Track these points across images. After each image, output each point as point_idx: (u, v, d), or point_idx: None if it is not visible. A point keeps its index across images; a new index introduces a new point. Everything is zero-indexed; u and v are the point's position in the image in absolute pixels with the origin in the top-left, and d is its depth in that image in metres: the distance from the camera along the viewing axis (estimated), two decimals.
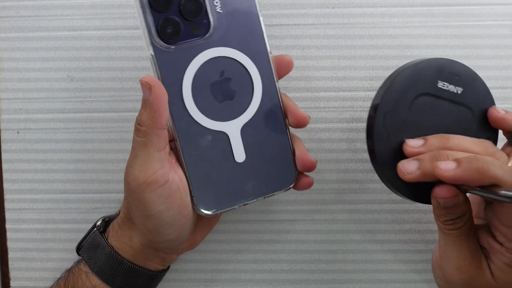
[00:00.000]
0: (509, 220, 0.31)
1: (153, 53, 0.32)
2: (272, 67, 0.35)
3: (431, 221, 0.44)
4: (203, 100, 0.33)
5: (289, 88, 0.43)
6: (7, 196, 0.45)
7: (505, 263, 0.32)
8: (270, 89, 0.35)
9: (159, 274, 0.39)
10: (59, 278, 0.39)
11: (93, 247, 0.37)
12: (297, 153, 0.36)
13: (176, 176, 0.34)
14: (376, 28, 0.42)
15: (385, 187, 0.36)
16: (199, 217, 0.37)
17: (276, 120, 0.35)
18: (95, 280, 0.36)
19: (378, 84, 0.42)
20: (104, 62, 0.43)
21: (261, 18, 0.34)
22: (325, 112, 0.43)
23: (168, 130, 0.34)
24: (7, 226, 0.45)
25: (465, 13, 0.42)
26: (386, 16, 0.42)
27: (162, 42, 0.32)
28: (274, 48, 0.43)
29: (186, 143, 0.34)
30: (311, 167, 0.36)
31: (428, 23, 0.42)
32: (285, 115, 0.35)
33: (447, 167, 0.30)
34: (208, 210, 0.35)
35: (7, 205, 0.45)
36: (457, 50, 0.42)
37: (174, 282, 0.45)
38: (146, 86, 0.31)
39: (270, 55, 0.34)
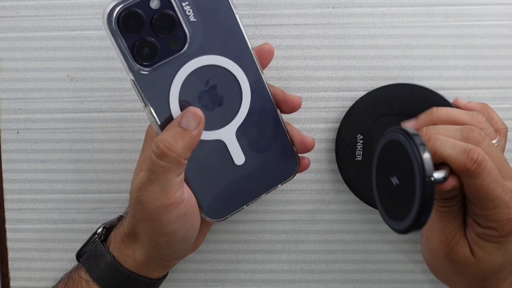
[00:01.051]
0: (471, 194, 0.31)
1: (133, 78, 0.31)
2: (257, 63, 0.34)
3: None
4: None
5: (289, 88, 0.43)
6: (7, 196, 0.45)
7: (476, 234, 0.32)
8: (258, 86, 0.34)
9: (159, 281, 0.39)
10: (59, 282, 0.38)
11: (94, 255, 0.37)
12: (294, 138, 0.36)
13: (190, 194, 0.34)
14: (376, 28, 0.42)
15: None
16: (201, 221, 0.37)
17: (269, 113, 0.35)
18: None
19: (378, 84, 0.42)
20: (104, 62, 0.43)
21: (237, 16, 0.32)
22: (325, 112, 0.43)
23: None
24: (7, 226, 0.45)
25: (465, 13, 0.42)
26: (386, 16, 0.42)
27: (140, 66, 0.31)
28: (274, 48, 0.42)
29: None
30: (311, 147, 0.36)
31: (428, 23, 0.42)
32: (276, 105, 0.35)
33: None
34: (218, 218, 0.35)
35: (7, 205, 0.45)
36: (457, 50, 0.42)
37: (174, 282, 0.45)
38: (196, 120, 0.31)
39: (252, 52, 0.33)
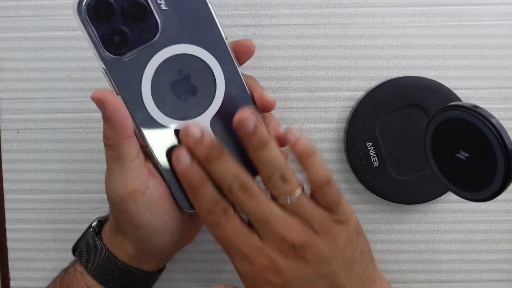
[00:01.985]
0: None
1: (104, 67, 0.31)
2: (231, 53, 0.33)
3: (431, 221, 0.44)
4: (166, 102, 0.32)
5: (289, 88, 0.43)
6: (7, 196, 0.45)
7: None
8: (233, 76, 0.33)
9: (155, 274, 0.39)
10: (56, 277, 0.39)
11: (89, 248, 0.37)
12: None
13: (157, 182, 0.33)
14: (376, 28, 0.42)
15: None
16: (190, 213, 0.37)
17: (244, 103, 0.34)
18: (90, 281, 0.36)
19: (378, 84, 0.42)
20: None
21: (210, 5, 0.32)
22: (325, 112, 0.43)
23: (138, 137, 0.33)
24: (7, 226, 0.45)
25: (465, 13, 0.42)
26: (386, 16, 0.42)
27: (111, 55, 0.31)
28: (274, 48, 0.43)
29: (157, 148, 0.33)
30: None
31: (428, 23, 0.42)
32: (252, 97, 0.34)
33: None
34: (193, 208, 0.34)
35: (7, 205, 0.45)
36: (457, 50, 0.42)
37: (174, 282, 0.45)
38: (98, 102, 0.31)
39: (226, 42, 0.33)
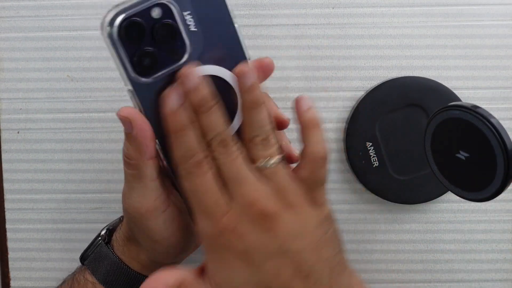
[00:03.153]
0: None
1: (131, 89, 0.30)
2: None
3: (431, 221, 0.44)
4: None
5: (289, 88, 0.43)
6: (7, 196, 0.45)
7: None
8: None
9: None
10: (62, 283, 0.38)
11: (100, 258, 0.37)
12: (283, 148, 0.34)
13: (176, 200, 0.33)
14: (376, 28, 0.42)
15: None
16: None
17: None
18: None
19: (378, 84, 0.42)
20: (104, 62, 0.43)
21: (236, 26, 0.32)
22: (325, 112, 0.43)
23: (158, 155, 0.33)
24: (7, 226, 0.45)
25: (465, 13, 0.42)
26: (386, 16, 0.42)
27: (139, 76, 0.30)
28: (274, 48, 0.43)
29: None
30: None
31: (428, 23, 0.42)
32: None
33: None
34: None
35: (7, 205, 0.45)
36: (457, 50, 0.42)
37: None
38: (125, 120, 0.30)
39: (249, 62, 0.32)
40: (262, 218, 0.28)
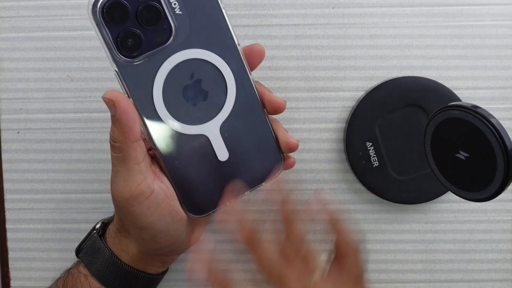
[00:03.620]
0: None
1: (116, 69, 0.31)
2: (243, 59, 0.33)
3: (431, 221, 0.44)
4: (176, 107, 0.32)
5: (289, 88, 0.43)
6: (7, 196, 0.45)
7: None
8: (243, 82, 0.34)
9: (158, 277, 0.39)
10: (58, 279, 0.39)
11: (93, 250, 0.37)
12: (279, 137, 0.35)
13: (162, 185, 0.33)
14: (376, 28, 0.42)
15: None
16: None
17: (255, 111, 0.34)
18: (94, 283, 0.36)
19: (378, 84, 0.42)
20: (104, 62, 0.43)
21: (224, 11, 0.32)
22: (325, 112, 0.43)
23: (145, 140, 0.33)
24: (7, 226, 0.45)
25: (465, 13, 0.42)
26: (386, 16, 0.42)
27: (124, 57, 0.31)
28: (274, 48, 0.43)
29: (166, 152, 0.33)
30: (294, 148, 0.35)
31: (428, 23, 0.42)
32: (262, 104, 0.35)
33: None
34: (199, 214, 0.35)
35: (7, 205, 0.45)
36: (457, 50, 0.42)
37: (174, 282, 0.45)
38: (109, 103, 0.31)
39: (239, 47, 0.33)
40: None
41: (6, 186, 0.45)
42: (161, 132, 0.33)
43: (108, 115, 0.43)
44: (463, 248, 0.44)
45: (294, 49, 0.43)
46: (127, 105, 0.31)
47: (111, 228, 0.37)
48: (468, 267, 0.44)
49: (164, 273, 0.40)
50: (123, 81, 0.31)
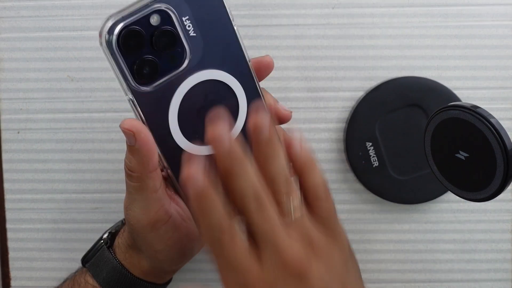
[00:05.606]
0: None
1: (132, 98, 0.29)
2: (253, 75, 0.33)
3: (431, 221, 0.44)
4: (191, 129, 0.31)
5: (289, 88, 0.43)
6: (7, 196, 0.45)
7: None
8: (254, 97, 0.33)
9: (165, 285, 0.39)
10: (62, 283, 0.38)
11: (101, 262, 0.36)
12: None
13: (178, 208, 0.33)
14: (376, 28, 0.42)
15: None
16: None
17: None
18: None
19: (378, 84, 0.42)
20: (104, 62, 0.43)
21: (235, 28, 0.31)
22: (325, 112, 0.43)
23: (161, 165, 0.32)
24: (8, 226, 0.45)
25: (465, 13, 0.42)
26: (386, 16, 0.42)
27: (139, 86, 0.29)
28: (274, 48, 0.43)
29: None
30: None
31: (428, 23, 0.42)
32: (272, 117, 0.34)
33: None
34: None
35: (7, 205, 0.45)
36: (457, 50, 0.42)
37: (174, 282, 0.45)
38: (129, 134, 0.29)
39: (249, 63, 0.32)
40: (297, 277, 0.28)
41: (6, 186, 0.45)
42: (177, 156, 0.31)
43: (108, 115, 0.44)
44: (463, 248, 0.44)
45: (294, 49, 0.43)
46: (147, 136, 0.29)
47: (121, 242, 0.37)
48: (467, 267, 0.44)
49: (170, 280, 0.40)
50: (138, 109, 0.30)
